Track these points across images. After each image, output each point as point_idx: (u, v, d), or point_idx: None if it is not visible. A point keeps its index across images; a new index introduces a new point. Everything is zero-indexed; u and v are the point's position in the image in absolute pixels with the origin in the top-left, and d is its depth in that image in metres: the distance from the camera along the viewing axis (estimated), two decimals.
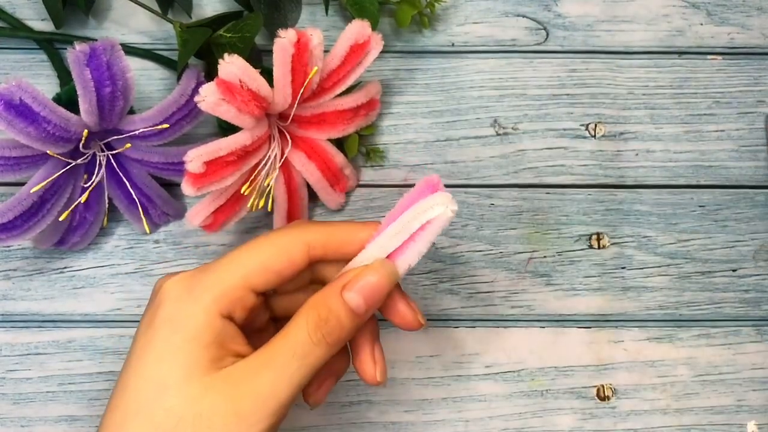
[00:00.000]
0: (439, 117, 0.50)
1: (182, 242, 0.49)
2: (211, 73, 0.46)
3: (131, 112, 0.44)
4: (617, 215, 0.50)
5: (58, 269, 0.49)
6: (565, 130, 0.50)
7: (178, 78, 0.44)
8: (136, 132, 0.43)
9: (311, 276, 0.38)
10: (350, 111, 0.46)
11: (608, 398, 0.48)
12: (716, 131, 0.51)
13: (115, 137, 0.44)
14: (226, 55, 0.38)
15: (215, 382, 0.33)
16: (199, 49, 0.45)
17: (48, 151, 0.40)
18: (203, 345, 0.33)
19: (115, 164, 0.45)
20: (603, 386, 0.48)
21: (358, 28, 0.42)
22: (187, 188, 0.40)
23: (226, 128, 0.43)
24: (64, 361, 0.48)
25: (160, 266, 0.49)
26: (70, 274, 0.49)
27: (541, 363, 0.48)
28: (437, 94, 0.51)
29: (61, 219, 0.44)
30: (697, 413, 0.48)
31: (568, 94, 0.51)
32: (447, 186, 0.36)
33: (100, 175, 0.45)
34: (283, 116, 0.44)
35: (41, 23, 0.50)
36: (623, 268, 0.49)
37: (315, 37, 0.40)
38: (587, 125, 0.50)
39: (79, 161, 0.43)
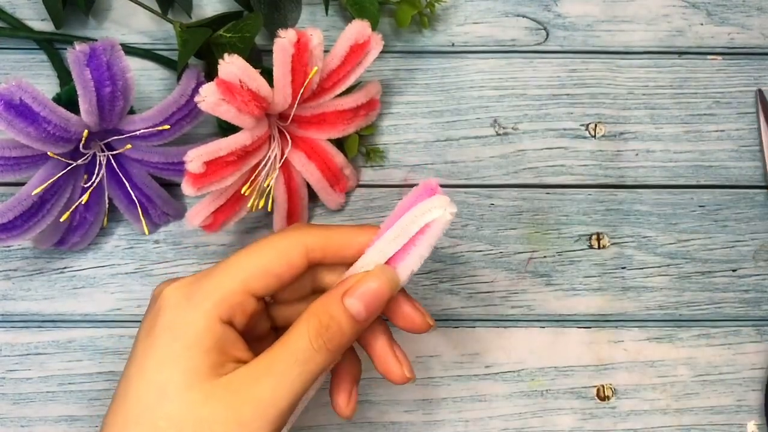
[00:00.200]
0: (439, 117, 0.50)
1: (182, 242, 0.49)
2: (211, 73, 0.46)
3: (131, 112, 0.44)
4: (617, 215, 0.50)
5: (58, 269, 0.49)
6: (565, 130, 0.50)
7: (178, 78, 0.44)
8: (137, 132, 0.43)
9: (312, 285, 0.38)
10: (350, 111, 0.46)
11: (608, 398, 0.48)
12: (716, 131, 0.51)
13: (116, 137, 0.44)
14: (226, 55, 0.38)
15: (216, 389, 0.33)
16: (199, 49, 0.45)
17: (48, 152, 0.40)
18: (203, 351, 0.33)
19: (115, 164, 0.45)
20: (603, 386, 0.48)
21: (358, 28, 0.42)
22: (187, 188, 0.40)
23: (226, 128, 0.43)
24: (64, 361, 0.48)
25: (160, 266, 0.49)
26: (70, 274, 0.49)
27: (541, 363, 0.48)
28: (437, 94, 0.51)
29: (61, 220, 0.44)
30: (697, 413, 0.48)
31: (568, 94, 0.51)
32: (447, 186, 0.36)
33: (100, 175, 0.45)
34: (283, 116, 0.44)
35: (41, 23, 0.50)
36: (623, 268, 0.49)
37: (315, 37, 0.40)
38: (587, 125, 0.50)
39: (79, 161, 0.43)
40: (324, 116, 0.45)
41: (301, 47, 0.40)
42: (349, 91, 0.45)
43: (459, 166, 0.50)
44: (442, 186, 0.49)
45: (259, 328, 0.38)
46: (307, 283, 0.38)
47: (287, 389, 0.33)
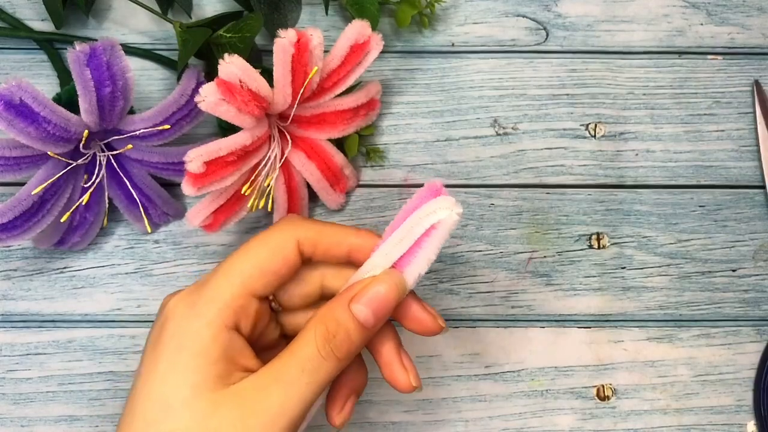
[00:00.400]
0: (439, 117, 0.50)
1: (182, 242, 0.49)
2: (211, 73, 0.46)
3: (131, 112, 0.44)
4: (617, 215, 0.50)
5: (58, 269, 0.49)
6: (565, 130, 0.50)
7: (178, 78, 0.44)
8: (137, 132, 0.43)
9: (320, 291, 0.37)
10: (350, 111, 0.46)
11: (608, 398, 0.48)
12: (716, 131, 0.51)
13: (116, 137, 0.44)
14: (226, 55, 0.38)
15: (224, 399, 0.32)
16: (199, 49, 0.45)
17: (48, 152, 0.40)
18: (211, 361, 0.33)
19: (115, 164, 0.45)
20: (603, 386, 0.48)
21: (358, 28, 0.42)
22: (187, 188, 0.40)
23: (226, 128, 0.43)
24: (64, 361, 0.48)
25: (160, 266, 0.49)
26: (70, 274, 0.49)
27: (541, 363, 0.48)
28: (437, 94, 0.51)
29: (62, 220, 0.44)
30: (697, 413, 0.48)
31: (568, 94, 0.51)
32: (447, 186, 0.36)
33: (100, 175, 0.45)
34: (283, 116, 0.44)
35: (41, 23, 0.50)
36: (623, 268, 0.49)
37: (315, 37, 0.40)
38: (587, 125, 0.50)
39: (79, 161, 0.43)
40: (324, 116, 0.45)
41: (301, 47, 0.40)
42: (349, 91, 0.45)
43: (459, 166, 0.50)
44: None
45: (269, 336, 0.37)
46: (314, 290, 0.37)
47: (296, 398, 0.33)
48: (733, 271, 0.49)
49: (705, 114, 0.51)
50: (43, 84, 0.50)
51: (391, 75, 0.51)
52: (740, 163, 0.50)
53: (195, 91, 0.43)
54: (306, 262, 0.36)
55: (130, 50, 0.49)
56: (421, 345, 0.48)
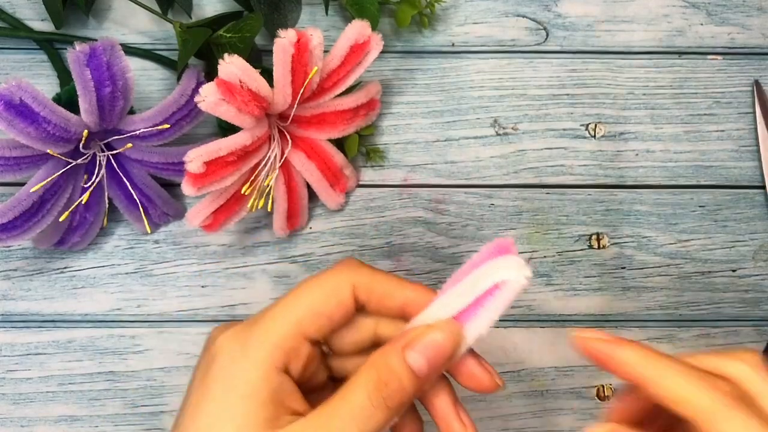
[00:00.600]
0: (439, 117, 0.50)
1: (182, 242, 0.49)
2: (211, 73, 0.46)
3: (131, 112, 0.44)
4: (617, 215, 0.50)
5: (58, 269, 0.49)
6: (565, 130, 0.50)
7: (178, 78, 0.44)
8: (137, 132, 0.43)
9: (372, 338, 0.36)
10: (350, 111, 0.46)
11: (608, 398, 0.48)
12: (716, 131, 0.51)
13: (116, 137, 0.44)
14: (226, 55, 0.38)
15: None
16: (199, 49, 0.45)
17: (48, 151, 0.40)
18: (259, 403, 0.32)
19: (115, 164, 0.45)
20: (603, 386, 0.48)
21: (358, 28, 0.42)
22: (187, 188, 0.40)
23: (226, 128, 0.43)
24: (64, 361, 0.48)
25: (160, 266, 0.49)
26: (70, 274, 0.49)
27: (541, 363, 0.48)
28: (437, 94, 0.51)
29: (61, 220, 0.44)
30: None
31: (568, 94, 0.51)
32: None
33: (100, 175, 0.45)
34: (283, 116, 0.44)
35: (41, 23, 0.50)
36: (623, 268, 0.49)
37: (315, 37, 0.40)
38: (587, 125, 0.51)
39: (79, 161, 0.43)
40: (324, 116, 0.45)
41: (301, 47, 0.40)
42: (349, 91, 0.45)
43: (459, 166, 0.50)
44: (442, 186, 0.50)
45: (317, 378, 0.36)
46: (366, 337, 0.36)
47: None
48: (733, 271, 0.49)
49: (705, 114, 0.51)
50: (43, 84, 0.50)
51: (391, 75, 0.51)
52: (740, 163, 0.50)
53: (195, 91, 0.43)
54: (360, 309, 0.35)
55: (130, 50, 0.49)
56: None
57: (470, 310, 0.33)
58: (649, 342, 0.48)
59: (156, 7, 0.48)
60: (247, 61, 0.39)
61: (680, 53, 0.51)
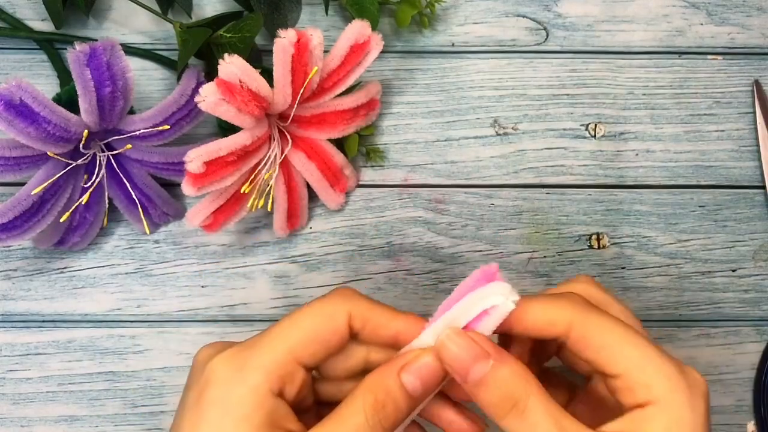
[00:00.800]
0: (439, 117, 0.50)
1: (182, 242, 0.49)
2: (211, 73, 0.46)
3: (131, 112, 0.44)
4: (617, 215, 0.50)
5: (58, 269, 0.49)
6: (565, 130, 0.50)
7: (178, 78, 0.44)
8: (137, 132, 0.43)
9: (362, 365, 0.37)
10: (350, 111, 0.46)
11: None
12: (716, 131, 0.51)
13: (116, 137, 0.44)
14: (226, 55, 0.38)
15: None
16: (199, 49, 0.45)
17: (48, 152, 0.40)
18: (254, 426, 0.32)
19: (115, 164, 0.45)
20: None
21: (358, 28, 0.42)
22: (187, 188, 0.40)
23: (226, 128, 0.43)
24: (64, 361, 0.48)
25: (160, 266, 0.49)
26: (70, 274, 0.49)
27: None
28: (437, 94, 0.51)
29: (61, 221, 0.44)
30: None
31: (568, 94, 0.51)
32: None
33: (100, 175, 0.45)
34: (283, 116, 0.44)
35: (41, 23, 0.50)
36: (623, 268, 0.49)
37: (315, 37, 0.40)
38: (587, 125, 0.51)
39: (79, 161, 0.43)
40: (324, 116, 0.45)
41: (301, 47, 0.40)
42: (349, 91, 0.45)
43: (459, 166, 0.50)
44: (442, 186, 0.50)
45: (306, 402, 0.36)
46: (358, 363, 0.37)
47: None
48: (733, 271, 0.49)
49: (705, 114, 0.51)
50: (43, 84, 0.50)
51: (391, 75, 0.51)
52: (740, 163, 0.50)
53: (195, 91, 0.43)
54: (354, 337, 0.36)
55: (130, 50, 0.49)
56: None
57: None
58: None
59: (156, 7, 0.48)
60: (247, 61, 0.39)
61: (680, 53, 0.51)
